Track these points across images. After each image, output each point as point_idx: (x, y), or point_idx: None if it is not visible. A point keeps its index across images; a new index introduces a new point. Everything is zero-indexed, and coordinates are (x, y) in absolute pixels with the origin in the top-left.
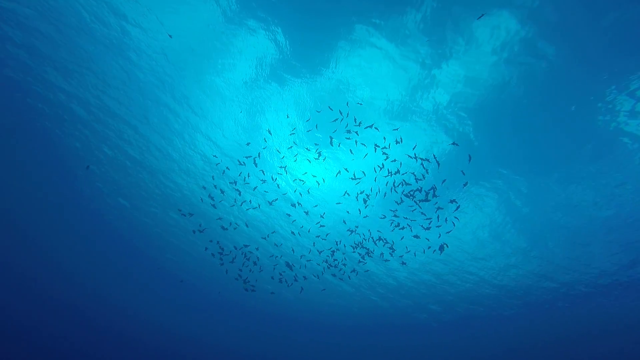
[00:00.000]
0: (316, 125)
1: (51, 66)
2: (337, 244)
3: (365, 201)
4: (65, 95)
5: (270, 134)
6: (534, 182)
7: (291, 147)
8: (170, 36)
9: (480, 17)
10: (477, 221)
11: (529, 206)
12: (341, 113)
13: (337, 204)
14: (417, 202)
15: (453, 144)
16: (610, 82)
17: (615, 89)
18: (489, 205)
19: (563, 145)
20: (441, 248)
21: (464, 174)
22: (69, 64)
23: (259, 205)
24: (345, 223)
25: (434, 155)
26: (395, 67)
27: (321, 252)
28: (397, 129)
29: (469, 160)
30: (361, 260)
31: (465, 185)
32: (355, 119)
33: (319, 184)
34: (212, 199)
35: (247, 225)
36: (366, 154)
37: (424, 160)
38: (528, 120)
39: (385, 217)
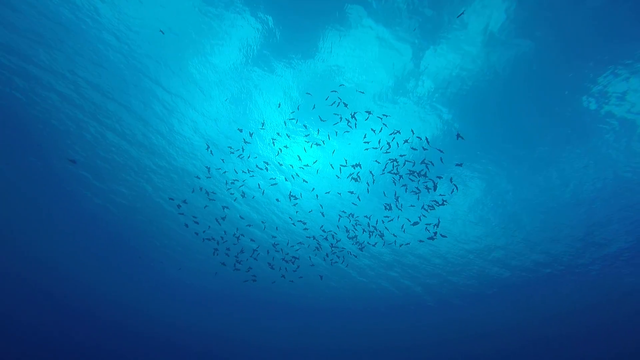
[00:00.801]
0: (314, 106)
1: (35, 45)
2: (333, 235)
3: (356, 180)
4: (45, 72)
5: (263, 127)
6: (523, 166)
7: (279, 134)
8: (162, 32)
9: (459, 15)
10: (468, 203)
11: (518, 189)
12: (337, 95)
13: (326, 193)
14: (415, 177)
15: (458, 135)
16: (596, 69)
17: (604, 74)
18: (493, 186)
19: (551, 129)
20: (432, 237)
21: (460, 165)
22: (47, 40)
23: (253, 197)
24: (344, 213)
25: (426, 138)
26: (387, 49)
27: (316, 237)
28: (387, 116)
29: (459, 137)
30: (356, 243)
31: (459, 165)
32: (352, 116)
33: (307, 165)
34: (208, 193)
35: (241, 218)
36: (365, 135)
37: (427, 142)
38: (517, 104)
39: (389, 207)
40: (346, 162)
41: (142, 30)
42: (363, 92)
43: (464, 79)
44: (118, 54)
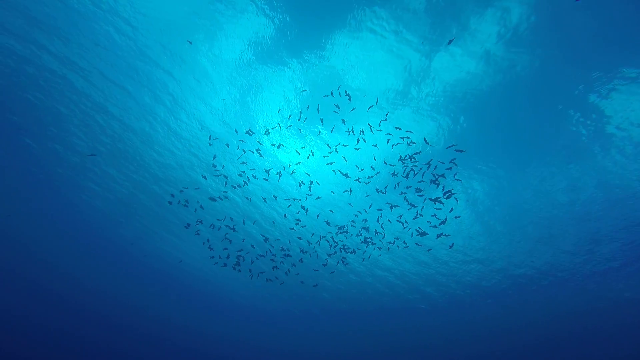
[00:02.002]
0: (318, 106)
1: (39, 27)
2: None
3: (347, 175)
4: (57, 60)
5: (268, 134)
6: (523, 172)
7: (280, 124)
8: (190, 42)
9: (449, 43)
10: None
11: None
12: (348, 94)
13: (317, 198)
14: (423, 176)
15: (453, 146)
16: (593, 82)
17: (595, 88)
18: (499, 192)
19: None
20: (440, 235)
21: (455, 164)
22: (60, 24)
23: (250, 199)
24: (332, 212)
25: (429, 162)
26: (395, 53)
27: (322, 237)
28: (385, 120)
29: (454, 147)
30: (345, 250)
31: (451, 167)
32: (346, 124)
33: (300, 163)
34: (213, 199)
35: (243, 222)
36: (371, 127)
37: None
38: (521, 111)
39: (397, 207)
40: (346, 175)
41: (155, 16)
42: (377, 103)
43: (472, 84)
44: (129, 41)
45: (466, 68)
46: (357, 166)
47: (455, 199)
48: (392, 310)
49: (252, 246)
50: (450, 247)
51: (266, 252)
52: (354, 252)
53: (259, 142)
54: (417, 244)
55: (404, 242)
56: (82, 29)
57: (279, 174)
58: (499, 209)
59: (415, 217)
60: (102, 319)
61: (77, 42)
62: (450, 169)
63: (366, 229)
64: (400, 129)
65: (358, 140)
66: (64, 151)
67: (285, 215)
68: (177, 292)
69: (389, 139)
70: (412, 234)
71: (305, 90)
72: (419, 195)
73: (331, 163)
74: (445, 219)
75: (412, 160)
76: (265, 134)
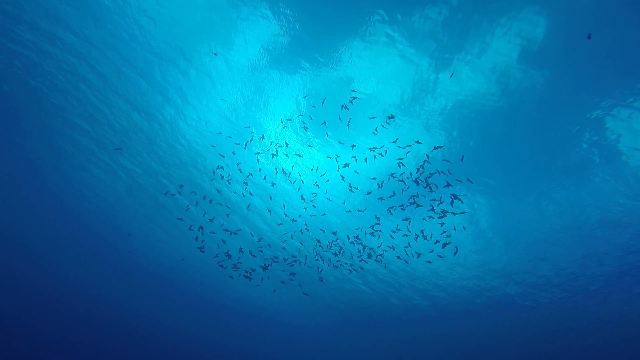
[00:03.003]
0: (324, 102)
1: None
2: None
3: (350, 185)
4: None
5: (273, 144)
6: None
7: (284, 122)
8: (214, 54)
9: (451, 76)
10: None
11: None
12: (351, 103)
13: (313, 206)
14: (428, 185)
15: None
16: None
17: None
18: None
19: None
20: (444, 245)
21: (453, 181)
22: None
23: (249, 207)
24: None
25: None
26: (405, 65)
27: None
28: (393, 117)
29: (462, 159)
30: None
31: (446, 186)
32: (351, 136)
33: (290, 173)
34: (216, 201)
35: (238, 230)
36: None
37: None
38: (532, 131)
39: (398, 229)
40: (350, 184)
41: (175, 12)
42: (393, 117)
43: (476, 103)
44: (147, 36)
45: (480, 84)
46: (355, 171)
47: (453, 213)
48: (389, 320)
49: (253, 255)
50: (455, 254)
51: (260, 252)
52: (346, 263)
53: (269, 152)
54: (406, 253)
55: (409, 255)
56: (103, 20)
57: (290, 178)
58: (504, 226)
59: (407, 235)
60: (95, 319)
61: (96, 32)
62: (447, 185)
63: (364, 245)
64: (412, 143)
65: (369, 158)
66: (72, 137)
67: (293, 220)
68: (177, 292)
69: (383, 154)
70: (409, 252)
71: (306, 95)
72: (417, 209)
73: (323, 174)
74: (442, 242)
75: (417, 176)
76: (271, 144)
